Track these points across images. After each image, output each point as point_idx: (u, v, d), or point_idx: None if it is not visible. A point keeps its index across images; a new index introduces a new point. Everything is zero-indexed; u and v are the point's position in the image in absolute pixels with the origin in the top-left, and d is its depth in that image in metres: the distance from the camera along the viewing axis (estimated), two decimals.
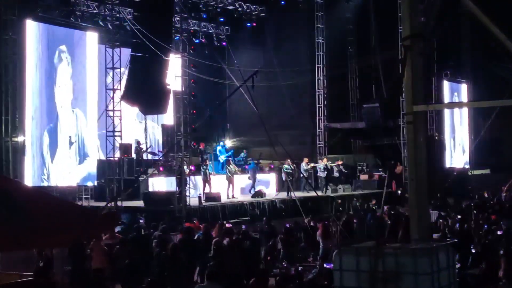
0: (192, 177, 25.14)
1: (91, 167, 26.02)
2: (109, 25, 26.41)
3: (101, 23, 27.12)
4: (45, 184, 24.40)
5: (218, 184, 25.89)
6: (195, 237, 15.64)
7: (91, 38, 26.69)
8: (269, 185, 29.81)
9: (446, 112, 38.14)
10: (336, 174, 30.47)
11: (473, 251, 15.22)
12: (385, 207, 23.97)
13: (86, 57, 26.53)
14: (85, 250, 13.80)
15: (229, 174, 26.00)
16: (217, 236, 15.32)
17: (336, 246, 16.11)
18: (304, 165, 28.95)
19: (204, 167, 25.20)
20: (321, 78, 34.73)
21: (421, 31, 8.29)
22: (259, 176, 29.29)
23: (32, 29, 24.50)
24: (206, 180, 24.90)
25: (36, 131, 24.55)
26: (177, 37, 24.19)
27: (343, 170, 30.76)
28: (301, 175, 28.67)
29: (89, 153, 26.26)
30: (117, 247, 14.60)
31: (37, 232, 9.35)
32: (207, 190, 24.85)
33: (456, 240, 14.98)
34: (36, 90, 24.58)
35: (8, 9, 23.12)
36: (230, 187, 25.89)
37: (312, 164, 30.04)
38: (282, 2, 32.81)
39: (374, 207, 22.71)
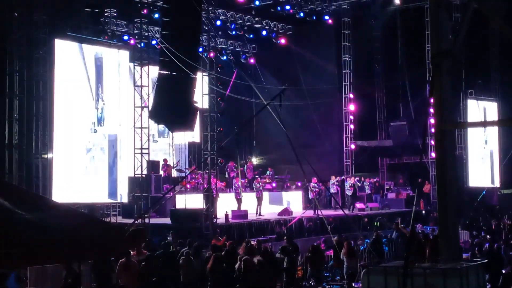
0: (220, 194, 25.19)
1: (119, 184, 26.16)
2: (137, 43, 26.67)
3: (129, 41, 27.43)
4: (73, 200, 24.56)
5: (248, 202, 26.00)
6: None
7: (122, 56, 26.95)
8: (296, 203, 29.71)
9: (471, 129, 37.71)
10: (367, 191, 30.35)
11: (504, 271, 14.96)
12: (417, 226, 23.79)
13: (117, 75, 26.76)
14: (110, 267, 13.82)
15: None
16: (244, 254, 15.26)
17: (361, 265, 15.95)
18: (332, 181, 28.99)
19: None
20: (348, 96, 34.64)
21: (450, 49, 8.23)
22: (286, 194, 29.28)
23: (62, 48, 24.83)
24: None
25: (65, 148, 24.78)
26: (204, 55, 24.32)
27: (376, 184, 30.68)
28: (329, 193, 28.57)
29: (118, 171, 26.41)
30: (142, 263, 14.62)
31: (65, 247, 9.38)
32: (235, 207, 25.00)
33: (486, 260, 14.75)
34: (65, 108, 24.84)
35: (40, 28, 23.46)
36: (259, 205, 25.96)
37: (338, 179, 30.00)
38: (308, 19, 32.85)
39: (400, 226, 22.48)
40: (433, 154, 29.49)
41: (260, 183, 26.73)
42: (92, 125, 26.14)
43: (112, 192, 26.01)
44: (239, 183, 25.95)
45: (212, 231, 21.20)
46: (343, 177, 31.45)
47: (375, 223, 27.28)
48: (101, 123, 26.42)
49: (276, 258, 15.99)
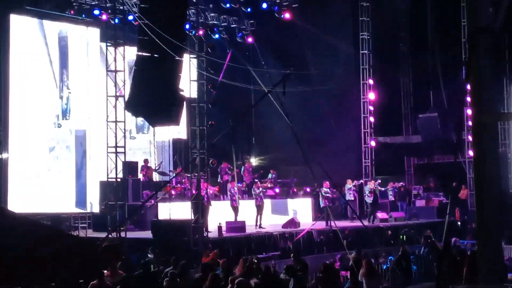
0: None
1: (89, 190, 26.23)
2: (110, 19, 26.65)
3: (100, 16, 27.39)
4: (34, 210, 24.61)
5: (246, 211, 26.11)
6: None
7: (91, 35, 26.97)
8: (304, 212, 29.78)
9: None
10: (391, 197, 30.44)
11: None
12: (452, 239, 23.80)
13: (85, 57, 26.81)
14: None
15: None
16: (240, 275, 15.29)
17: (383, 287, 15.97)
18: (348, 186, 29.10)
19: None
20: (367, 82, 34.67)
21: (490, 25, 8.24)
22: (292, 201, 29.33)
23: (18, 25, 24.85)
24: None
25: (23, 146, 24.83)
26: (192, 33, 24.36)
27: (402, 189, 30.76)
28: (344, 200, 28.64)
29: (87, 173, 26.47)
30: (118, 287, 14.64)
31: (23, 267, 9.42)
32: (230, 218, 25.10)
33: None
34: (23, 98, 24.88)
35: None
36: (259, 215, 26.06)
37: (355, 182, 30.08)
38: None
39: (430, 240, 22.54)
40: (470, 153, 29.58)
41: (261, 188, 26.80)
42: (55, 119, 26.23)
43: (81, 200, 26.11)
44: (235, 188, 26.01)
45: (203, 246, 21.25)
46: (361, 180, 31.50)
47: (401, 236, 27.32)
48: (67, 116, 26.50)
49: (281, 279, 16.01)
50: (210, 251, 20.12)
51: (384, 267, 19.47)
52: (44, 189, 25.41)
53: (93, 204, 26.06)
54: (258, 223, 25.93)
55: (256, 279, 14.84)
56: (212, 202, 25.35)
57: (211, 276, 14.46)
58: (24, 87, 25.08)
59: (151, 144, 29.97)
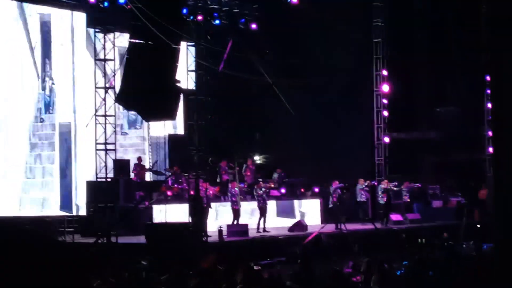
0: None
1: (75, 191, 26.24)
2: (99, 2, 26.52)
3: None
4: (14, 213, 24.64)
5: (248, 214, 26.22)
6: None
7: (77, 20, 26.93)
8: (312, 214, 29.82)
9: None
10: (405, 198, 30.46)
11: None
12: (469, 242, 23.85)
13: (70, 45, 26.79)
14: None
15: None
16: (242, 282, 15.33)
17: None
18: (360, 186, 29.13)
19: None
20: (380, 73, 34.66)
21: (510, 13, 8.29)
22: (299, 203, 29.39)
23: None
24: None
25: (1, 143, 24.84)
26: (190, 19, 24.34)
27: (415, 189, 30.77)
28: (357, 200, 28.70)
29: (73, 173, 26.48)
30: None
31: (2, 278, 9.47)
32: (231, 220, 25.23)
33: None
34: (0, 90, 24.89)
35: None
36: (262, 217, 26.11)
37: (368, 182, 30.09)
38: None
39: (447, 243, 22.65)
40: (490, 149, 29.56)
41: (263, 189, 26.78)
42: (37, 113, 26.18)
43: (66, 202, 26.10)
44: (236, 189, 26.04)
45: (201, 252, 21.28)
46: (374, 182, 31.48)
47: (419, 240, 27.34)
48: (50, 110, 26.50)
49: (286, 287, 16.05)
50: (209, 256, 20.18)
51: (398, 273, 19.49)
52: (25, 190, 25.40)
53: (80, 207, 26.05)
54: (262, 227, 25.96)
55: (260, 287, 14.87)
56: (212, 204, 25.41)
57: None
58: (2, 79, 25.07)
59: (145, 141, 29.97)
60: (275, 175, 30.80)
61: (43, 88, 26.60)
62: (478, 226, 29.56)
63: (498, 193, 8.21)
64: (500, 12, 8.60)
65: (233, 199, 25.77)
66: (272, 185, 29.29)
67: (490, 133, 28.39)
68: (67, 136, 26.90)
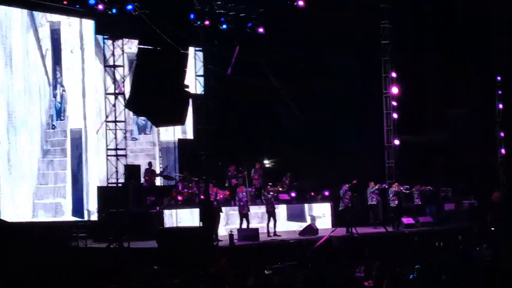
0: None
1: (87, 196, 26.32)
2: (107, 9, 26.62)
3: (96, 5, 27.42)
4: (27, 219, 24.73)
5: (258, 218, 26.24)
6: None
7: (86, 27, 27.05)
8: (322, 218, 29.82)
9: None
10: (417, 201, 30.42)
11: None
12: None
13: (80, 52, 26.89)
14: None
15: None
16: (253, 287, 15.35)
17: None
18: (371, 190, 29.15)
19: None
20: (389, 75, 34.60)
21: None
22: (309, 207, 29.41)
23: (5, 16, 24.97)
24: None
25: (14, 150, 24.92)
26: (197, 24, 24.40)
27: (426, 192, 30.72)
28: (368, 203, 28.69)
29: (85, 178, 26.56)
30: None
31: (15, 281, 9.55)
32: (244, 225, 25.19)
33: None
34: (12, 98, 24.98)
35: None
36: (271, 221, 26.11)
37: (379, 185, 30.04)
38: None
39: (461, 247, 22.60)
40: (503, 151, 29.49)
41: (271, 193, 26.78)
42: (49, 119, 26.29)
43: (78, 208, 26.18)
44: (244, 193, 26.08)
45: (212, 256, 21.30)
46: (385, 185, 31.43)
47: (436, 243, 27.29)
48: (61, 117, 26.59)
49: None
50: (219, 260, 20.22)
51: (410, 277, 19.48)
52: (38, 197, 25.49)
53: (92, 212, 26.13)
54: (273, 231, 25.97)
55: None
56: (223, 208, 25.47)
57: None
58: (13, 86, 25.16)
59: (155, 146, 30.02)
60: (285, 179, 30.82)
61: (54, 95, 26.69)
62: (492, 229, 29.53)
63: (509, 196, 8.22)
64: (510, 13, 8.63)
65: (241, 203, 25.79)
66: (280, 189, 29.32)
67: (502, 134, 28.38)
68: (78, 142, 27.00)
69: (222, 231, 24.16)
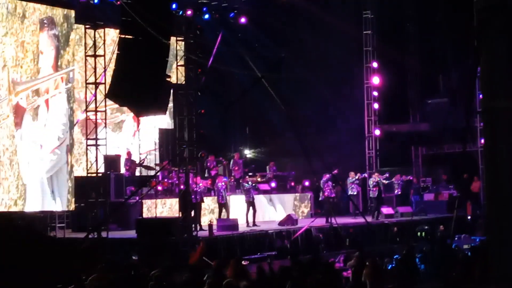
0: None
1: (66, 186, 26.18)
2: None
3: None
4: (2, 208, 24.57)
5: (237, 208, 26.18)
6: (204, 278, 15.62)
7: (66, 16, 26.89)
8: (302, 208, 29.82)
9: None
10: (397, 191, 30.48)
11: None
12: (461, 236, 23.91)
13: (60, 41, 26.74)
14: None
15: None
16: (232, 277, 15.29)
17: None
18: (351, 180, 29.12)
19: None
20: (371, 65, 34.63)
21: (501, 0, 8.22)
22: (289, 197, 29.39)
23: None
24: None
25: None
26: (179, 14, 24.29)
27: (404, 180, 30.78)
28: (348, 193, 28.70)
29: (64, 170, 26.43)
30: None
31: None
32: (223, 215, 25.14)
33: None
34: None
35: None
36: (250, 211, 26.07)
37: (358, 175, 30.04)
38: None
39: (439, 236, 22.69)
40: (483, 141, 29.55)
41: (250, 183, 26.73)
42: (29, 107, 26.11)
43: (57, 198, 26.03)
44: (223, 183, 26.05)
45: (191, 246, 21.26)
46: (365, 174, 31.48)
47: (418, 233, 27.39)
48: (40, 105, 26.41)
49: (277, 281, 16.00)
50: (196, 247, 20.18)
51: (389, 267, 19.50)
52: (14, 186, 25.30)
53: (71, 202, 26.00)
54: (251, 221, 25.91)
55: (248, 281, 14.80)
56: (205, 198, 25.44)
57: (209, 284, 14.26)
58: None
59: (135, 136, 29.90)
60: (268, 169, 30.84)
61: None
62: (469, 218, 29.67)
63: (489, 186, 8.15)
64: (490, 2, 8.53)
65: (220, 194, 25.75)
66: (259, 179, 29.28)
67: (481, 125, 28.46)
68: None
69: (206, 221, 24.08)
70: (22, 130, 25.26)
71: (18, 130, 25.17)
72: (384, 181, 30.19)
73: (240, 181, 27.27)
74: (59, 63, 26.64)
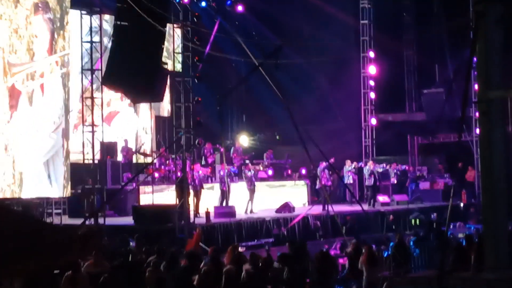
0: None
1: (64, 172, 26.18)
2: None
3: None
4: (2, 194, 24.58)
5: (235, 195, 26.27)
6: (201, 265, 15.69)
7: (62, 1, 26.82)
8: (299, 196, 29.89)
9: None
10: (393, 179, 30.59)
11: None
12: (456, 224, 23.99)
13: (55, 27, 26.68)
14: (54, 282, 13.85)
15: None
16: (229, 263, 15.36)
17: (385, 276, 16.04)
18: (347, 168, 29.19)
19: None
20: (367, 55, 34.65)
21: None
22: (287, 185, 29.47)
23: None
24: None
25: None
26: (176, 1, 24.25)
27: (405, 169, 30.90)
28: (344, 181, 28.77)
29: (60, 154, 26.42)
30: (105, 275, 14.66)
31: None
32: (224, 202, 25.45)
33: None
34: None
35: None
36: (250, 199, 26.22)
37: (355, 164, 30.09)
38: None
39: (435, 224, 22.76)
40: (478, 131, 29.58)
41: (252, 171, 26.82)
42: (24, 94, 26.06)
43: (54, 183, 26.04)
44: (226, 171, 26.09)
45: (188, 234, 21.32)
46: (361, 163, 31.56)
47: (413, 220, 27.50)
48: (36, 92, 26.37)
49: (274, 268, 16.07)
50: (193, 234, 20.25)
51: (385, 254, 19.59)
52: (11, 172, 25.31)
53: (68, 188, 26.00)
54: (250, 208, 25.99)
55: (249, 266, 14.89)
56: (205, 185, 25.53)
57: (203, 272, 14.35)
58: None
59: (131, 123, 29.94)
60: (265, 157, 30.88)
61: None
62: (461, 206, 29.77)
63: (484, 175, 8.24)
64: None
65: (222, 181, 25.82)
66: (261, 168, 29.36)
67: (477, 114, 28.50)
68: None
69: (204, 208, 24.15)
70: (17, 113, 25.21)
71: (14, 113, 25.11)
72: (379, 169, 30.27)
73: (243, 169, 27.28)
74: (54, 48, 26.58)
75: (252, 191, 26.37)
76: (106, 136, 25.06)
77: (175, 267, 15.57)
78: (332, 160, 27.66)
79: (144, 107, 29.65)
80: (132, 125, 30.05)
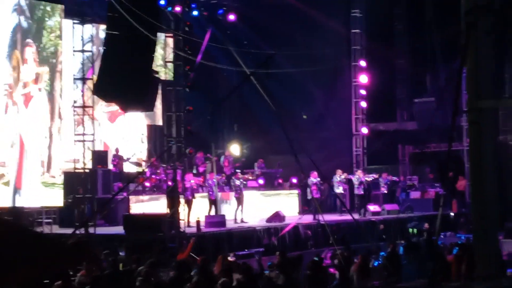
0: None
1: (54, 181, 26.15)
2: None
3: None
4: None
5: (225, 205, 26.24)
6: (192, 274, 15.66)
7: (54, 11, 26.85)
8: (290, 205, 29.86)
9: None
10: (383, 189, 30.58)
11: None
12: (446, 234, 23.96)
13: (47, 36, 26.70)
14: None
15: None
16: (219, 274, 15.33)
17: (376, 286, 16.06)
18: (337, 178, 29.14)
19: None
20: (358, 64, 34.70)
21: (489, 2, 8.30)
22: (277, 194, 29.40)
23: None
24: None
25: None
26: (168, 10, 24.27)
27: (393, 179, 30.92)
28: (333, 192, 28.76)
29: (51, 164, 26.40)
30: (93, 285, 14.64)
31: None
32: (212, 212, 25.24)
33: None
34: None
35: None
36: (239, 208, 26.13)
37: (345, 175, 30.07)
38: None
39: (426, 234, 22.75)
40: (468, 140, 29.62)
41: (241, 180, 26.78)
42: (17, 103, 26.08)
43: (45, 193, 26.00)
44: (214, 180, 26.05)
45: (179, 243, 21.28)
46: (351, 175, 31.48)
47: (410, 230, 27.50)
48: (28, 101, 26.37)
49: (265, 276, 16.08)
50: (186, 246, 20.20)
51: (375, 264, 19.60)
52: (2, 182, 25.29)
53: (58, 198, 25.94)
54: (240, 217, 25.96)
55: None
56: (196, 195, 25.49)
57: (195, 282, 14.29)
58: None
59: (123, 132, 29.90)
60: (256, 166, 30.85)
61: None
62: (452, 215, 29.77)
63: (474, 184, 8.24)
64: (477, 4, 8.62)
65: (210, 190, 25.78)
66: (250, 177, 29.34)
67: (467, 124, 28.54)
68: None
69: (195, 218, 24.12)
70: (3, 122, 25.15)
71: None
72: (368, 179, 30.24)
73: (232, 178, 27.25)
74: (41, 56, 26.53)
75: (239, 200, 26.31)
76: (108, 134, 25.05)
77: (155, 277, 15.54)
78: (314, 173, 27.63)
79: (140, 114, 29.63)
80: (138, 126, 30.06)
